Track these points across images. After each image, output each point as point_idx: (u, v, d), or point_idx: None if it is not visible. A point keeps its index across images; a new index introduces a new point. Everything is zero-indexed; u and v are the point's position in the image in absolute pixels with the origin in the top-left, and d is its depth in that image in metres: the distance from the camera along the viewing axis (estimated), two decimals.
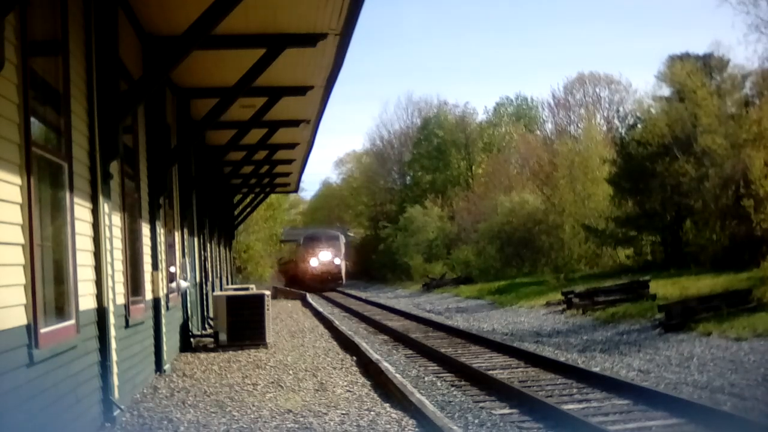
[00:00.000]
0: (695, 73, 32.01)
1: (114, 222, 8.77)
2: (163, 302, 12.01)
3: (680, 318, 17.46)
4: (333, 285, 53.69)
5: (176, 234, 14.88)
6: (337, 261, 56.79)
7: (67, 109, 7.27)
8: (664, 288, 23.19)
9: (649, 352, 15.69)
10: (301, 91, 14.99)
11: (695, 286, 22.57)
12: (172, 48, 9.03)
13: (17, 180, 5.71)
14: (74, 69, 7.51)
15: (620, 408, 10.34)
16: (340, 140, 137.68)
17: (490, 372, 13.42)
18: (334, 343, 16.15)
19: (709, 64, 33.57)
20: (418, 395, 9.28)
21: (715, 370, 13.07)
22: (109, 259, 8.19)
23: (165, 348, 11.86)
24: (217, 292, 17.70)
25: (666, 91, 36.45)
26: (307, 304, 30.11)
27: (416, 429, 7.82)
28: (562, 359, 14.99)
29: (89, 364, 7.60)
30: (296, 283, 53.37)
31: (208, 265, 21.69)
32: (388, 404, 9.06)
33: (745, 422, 8.89)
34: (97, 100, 8.21)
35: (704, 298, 18.94)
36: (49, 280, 6.54)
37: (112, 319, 8.21)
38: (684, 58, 34.40)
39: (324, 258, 56.22)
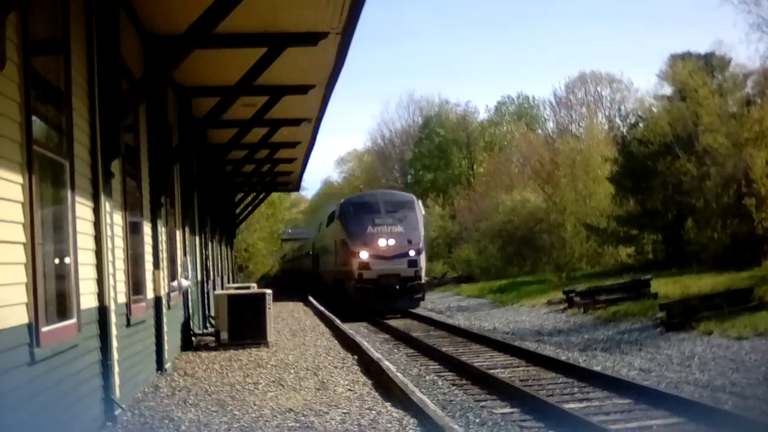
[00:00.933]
0: (697, 72, 32.02)
1: (115, 221, 8.77)
2: (164, 301, 12.00)
3: (681, 317, 17.46)
4: (406, 303, 27.36)
5: (178, 233, 14.88)
6: (413, 253, 27.28)
7: (68, 108, 7.27)
8: (666, 287, 23.19)
9: (650, 351, 15.69)
10: (302, 89, 15.00)
11: (696, 285, 22.58)
12: (174, 47, 9.04)
13: (19, 179, 5.71)
14: (76, 68, 7.50)
15: (621, 407, 10.35)
16: (341, 139, 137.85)
17: (492, 371, 13.43)
18: (335, 341, 16.14)
19: (711, 63, 33.58)
20: (419, 394, 9.27)
21: (717, 369, 13.07)
22: (110, 257, 8.18)
23: (166, 347, 11.86)
24: (219, 291, 17.69)
25: (667, 90, 36.53)
26: (308, 303, 30.09)
27: (417, 428, 7.81)
28: (563, 358, 14.99)
29: (90, 363, 7.59)
30: (318, 293, 33.53)
31: (210, 264, 21.68)
32: (389, 403, 9.05)
33: (746, 421, 8.89)
34: (99, 99, 8.21)
35: (705, 297, 18.94)
36: (51, 279, 6.53)
37: (113, 318, 8.21)
38: (686, 57, 34.42)
39: (387, 246, 27.32)
